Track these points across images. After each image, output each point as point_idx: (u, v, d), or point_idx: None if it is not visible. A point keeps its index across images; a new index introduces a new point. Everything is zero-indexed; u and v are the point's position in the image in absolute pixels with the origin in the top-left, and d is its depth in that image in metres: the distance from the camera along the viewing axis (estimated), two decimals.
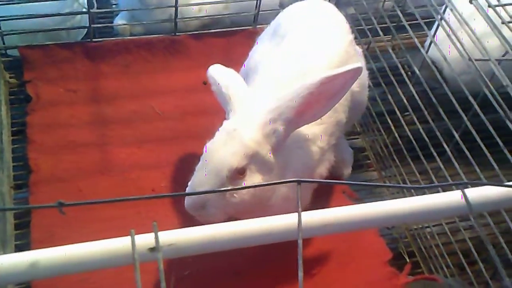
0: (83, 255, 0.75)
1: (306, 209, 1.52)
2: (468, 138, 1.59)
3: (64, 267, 0.73)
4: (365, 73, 1.83)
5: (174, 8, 2.16)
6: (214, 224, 0.81)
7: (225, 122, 1.45)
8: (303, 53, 1.61)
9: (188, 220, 1.48)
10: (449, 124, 1.64)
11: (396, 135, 1.96)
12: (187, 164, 1.92)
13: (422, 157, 1.80)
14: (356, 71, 1.38)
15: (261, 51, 1.73)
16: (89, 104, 2.04)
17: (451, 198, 0.89)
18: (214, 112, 2.09)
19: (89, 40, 2.14)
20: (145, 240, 0.77)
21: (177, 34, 2.22)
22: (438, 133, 1.69)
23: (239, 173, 1.38)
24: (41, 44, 2.11)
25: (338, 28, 1.72)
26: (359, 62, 1.75)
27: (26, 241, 1.67)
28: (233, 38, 2.30)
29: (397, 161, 1.97)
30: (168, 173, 1.89)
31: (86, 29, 2.24)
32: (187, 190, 1.42)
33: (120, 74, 2.15)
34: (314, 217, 0.77)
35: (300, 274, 0.66)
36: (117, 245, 0.76)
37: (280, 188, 1.46)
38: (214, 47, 2.27)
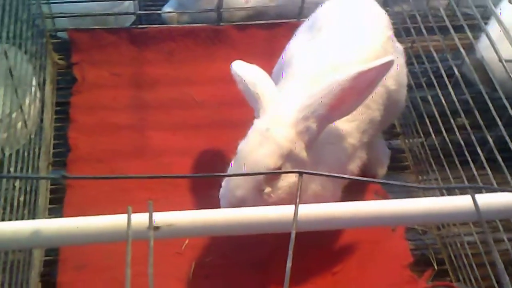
0: (83, 228, 0.77)
1: None
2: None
3: (64, 238, 0.76)
4: (403, 71, 1.79)
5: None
6: (214, 209, 0.82)
7: (256, 122, 1.45)
8: (338, 47, 1.59)
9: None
10: (485, 131, 1.58)
11: (434, 138, 1.90)
12: (220, 153, 1.95)
13: (458, 164, 1.74)
14: (387, 65, 1.36)
15: (297, 44, 1.72)
16: (131, 89, 2.10)
17: (461, 202, 0.86)
18: None
19: (134, 26, 2.19)
20: (144, 218, 0.79)
21: (221, 24, 2.25)
22: (474, 139, 1.63)
23: None
24: (89, 28, 2.18)
25: (376, 23, 1.69)
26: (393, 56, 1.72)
27: (58, 216, 1.74)
28: (276, 31, 2.30)
29: (433, 165, 1.92)
30: (200, 161, 1.92)
31: (134, 16, 2.30)
32: (222, 191, 1.44)
33: (163, 61, 2.19)
34: (311, 211, 0.76)
35: (289, 264, 0.66)
36: (116, 221, 0.78)
37: (310, 185, 1.46)
38: (257, 39, 2.28)
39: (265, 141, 1.39)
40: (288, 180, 1.41)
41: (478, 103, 1.68)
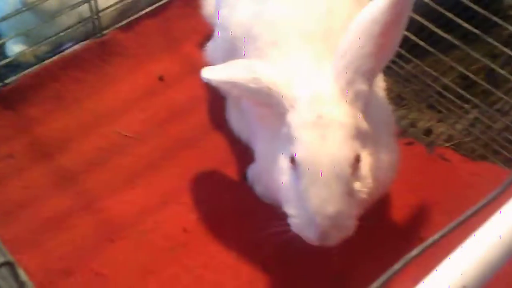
0: None
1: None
2: None
3: None
4: None
5: (79, 9, 1.70)
6: None
7: (293, 117, 1.08)
8: None
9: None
10: None
11: None
12: (201, 179, 1.52)
13: None
14: None
15: (246, 14, 1.33)
16: (39, 163, 1.53)
17: None
18: (189, 107, 1.68)
19: (0, 84, 1.59)
20: None
21: (103, 33, 1.73)
22: None
23: (357, 160, 1.07)
24: None
25: None
26: None
27: None
28: (167, 13, 1.85)
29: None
30: (188, 201, 1.46)
31: None
32: (299, 221, 1.08)
33: (57, 111, 1.64)
34: None
35: None
36: None
37: (381, 156, 1.14)
38: (151, 33, 1.81)
39: (327, 130, 1.04)
40: (365, 161, 1.09)
41: None
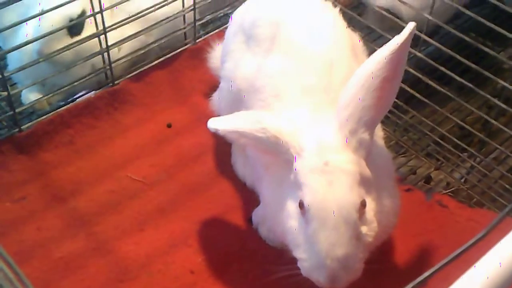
0: None
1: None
2: None
3: None
4: None
5: (92, 60, 1.78)
6: None
7: (300, 165, 1.15)
8: (314, 46, 1.33)
9: None
10: None
11: None
12: (207, 222, 1.57)
13: None
14: (414, 29, 1.13)
15: (250, 68, 1.42)
16: (52, 206, 1.58)
17: None
18: (196, 153, 1.75)
19: (16, 130, 1.67)
20: None
21: (115, 83, 1.82)
22: None
23: (363, 205, 1.12)
24: None
25: (322, 7, 1.46)
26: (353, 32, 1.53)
27: None
28: (174, 65, 1.95)
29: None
30: (195, 244, 1.50)
31: None
32: (309, 265, 1.12)
33: (69, 155, 1.71)
34: None
35: None
36: None
37: (384, 202, 1.21)
38: (160, 83, 1.90)
39: (333, 177, 1.10)
40: (370, 206, 1.15)
41: None
